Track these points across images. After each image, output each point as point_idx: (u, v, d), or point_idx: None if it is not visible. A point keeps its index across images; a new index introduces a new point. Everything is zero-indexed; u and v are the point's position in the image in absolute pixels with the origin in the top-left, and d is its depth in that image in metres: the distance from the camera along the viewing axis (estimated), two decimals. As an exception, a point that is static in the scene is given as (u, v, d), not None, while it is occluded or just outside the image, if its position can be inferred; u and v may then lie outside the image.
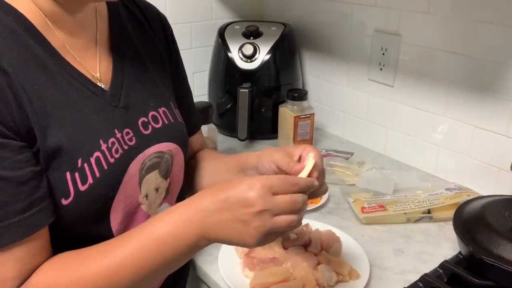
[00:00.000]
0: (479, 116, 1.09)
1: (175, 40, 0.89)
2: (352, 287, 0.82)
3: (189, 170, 0.93)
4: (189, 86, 0.94)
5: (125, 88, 0.73)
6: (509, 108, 1.03)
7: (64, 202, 0.63)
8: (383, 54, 1.27)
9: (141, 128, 0.74)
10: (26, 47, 0.62)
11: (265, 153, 0.77)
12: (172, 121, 0.79)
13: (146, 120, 0.75)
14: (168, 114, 0.79)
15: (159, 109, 0.78)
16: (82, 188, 0.64)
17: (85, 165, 0.64)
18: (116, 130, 0.69)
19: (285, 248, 0.88)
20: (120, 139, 0.70)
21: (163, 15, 0.88)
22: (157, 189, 0.77)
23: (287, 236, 0.91)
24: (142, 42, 0.80)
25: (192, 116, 0.93)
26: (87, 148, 0.65)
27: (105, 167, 0.66)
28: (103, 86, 0.70)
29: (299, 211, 0.61)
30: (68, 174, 0.63)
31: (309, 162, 0.69)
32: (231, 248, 0.90)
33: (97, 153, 0.66)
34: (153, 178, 0.75)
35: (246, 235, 0.59)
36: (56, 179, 0.62)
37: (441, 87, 1.16)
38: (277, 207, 0.59)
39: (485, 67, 1.06)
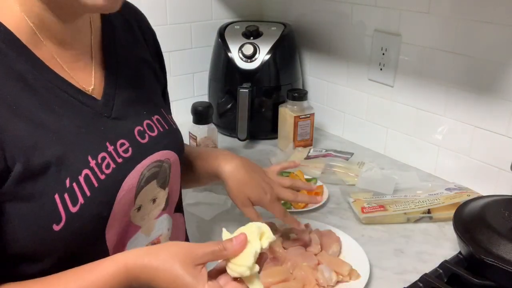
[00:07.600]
0: (479, 116, 1.09)
1: (159, 44, 0.87)
2: (352, 287, 0.82)
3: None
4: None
5: (117, 97, 0.70)
6: (509, 108, 1.03)
7: (56, 227, 0.59)
8: (383, 54, 1.27)
9: (138, 137, 0.70)
10: (3, 61, 0.57)
11: (233, 178, 0.74)
12: (167, 128, 0.77)
13: (142, 129, 0.72)
14: (162, 121, 0.76)
15: (152, 117, 0.75)
16: (73, 209, 0.60)
17: (74, 184, 0.60)
18: (107, 143, 0.65)
19: (285, 248, 0.88)
20: (113, 152, 0.66)
21: (145, 17, 0.85)
22: (154, 200, 0.73)
23: (287, 236, 0.91)
24: (135, 48, 0.78)
25: None
26: (74, 166, 0.60)
27: (96, 185, 0.62)
28: (95, 96, 0.67)
29: None
30: (57, 197, 0.59)
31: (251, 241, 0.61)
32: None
33: (85, 171, 0.61)
34: (150, 189, 0.72)
35: None
36: (45, 204, 0.58)
37: (441, 87, 1.16)
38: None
39: (485, 67, 1.06)
